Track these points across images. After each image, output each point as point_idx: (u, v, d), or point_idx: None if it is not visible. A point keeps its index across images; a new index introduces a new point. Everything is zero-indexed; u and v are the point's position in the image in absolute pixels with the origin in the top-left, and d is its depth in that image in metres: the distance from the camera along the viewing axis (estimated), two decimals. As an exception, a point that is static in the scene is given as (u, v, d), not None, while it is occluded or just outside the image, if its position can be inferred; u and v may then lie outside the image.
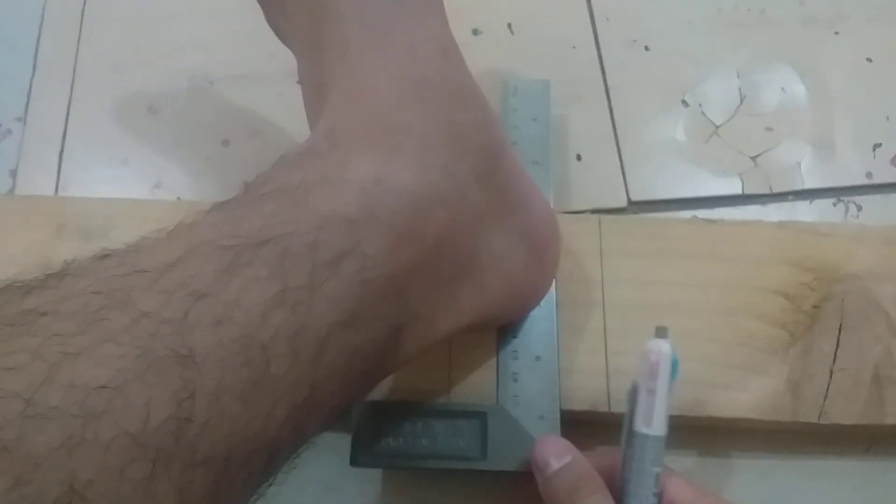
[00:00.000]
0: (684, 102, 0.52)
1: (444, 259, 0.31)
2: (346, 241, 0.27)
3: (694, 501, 0.34)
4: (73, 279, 0.24)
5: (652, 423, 0.34)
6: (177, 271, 0.25)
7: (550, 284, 0.41)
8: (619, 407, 0.39)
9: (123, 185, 0.50)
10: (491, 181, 0.34)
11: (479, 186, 0.33)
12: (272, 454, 0.26)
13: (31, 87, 0.54)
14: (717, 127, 0.51)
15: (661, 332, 0.35)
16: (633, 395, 0.35)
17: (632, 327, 0.41)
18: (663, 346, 0.34)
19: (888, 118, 0.51)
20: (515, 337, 0.41)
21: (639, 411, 0.34)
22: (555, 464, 0.35)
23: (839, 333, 0.42)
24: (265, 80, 0.53)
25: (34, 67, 0.55)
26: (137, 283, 0.24)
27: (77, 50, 0.55)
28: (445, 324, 0.33)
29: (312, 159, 0.30)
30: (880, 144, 0.51)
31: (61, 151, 0.51)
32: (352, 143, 0.30)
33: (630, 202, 0.49)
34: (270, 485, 0.28)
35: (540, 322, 0.41)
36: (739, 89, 0.53)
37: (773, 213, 0.49)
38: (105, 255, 0.26)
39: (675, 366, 0.34)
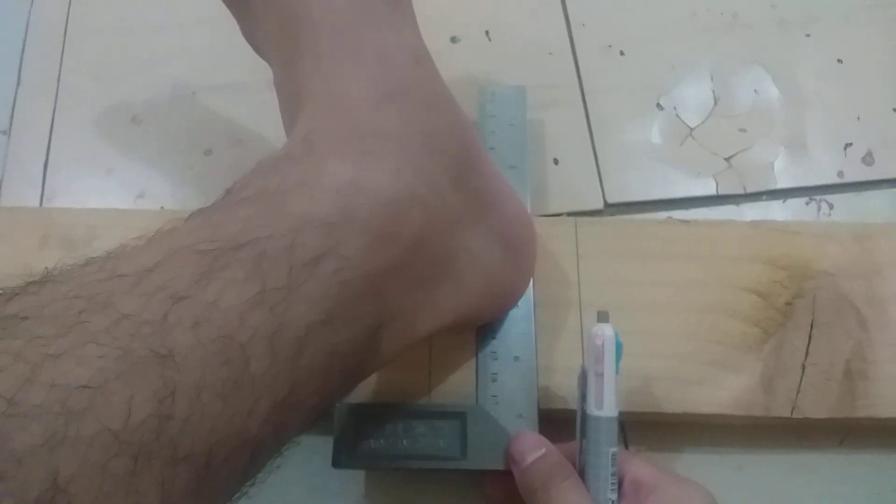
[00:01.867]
0: (659, 106, 0.53)
1: (421, 260, 0.32)
2: (323, 243, 0.28)
3: (656, 478, 0.35)
4: (53, 285, 0.25)
5: (603, 405, 0.35)
6: (156, 275, 0.25)
7: (528, 285, 0.42)
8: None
9: (108, 195, 0.51)
10: (466, 184, 0.35)
11: (454, 189, 0.34)
12: (254, 452, 0.26)
13: (15, 98, 0.54)
14: (692, 129, 0.52)
15: (602, 317, 0.36)
16: (583, 380, 0.36)
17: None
18: (607, 330, 0.35)
19: (859, 118, 0.52)
20: (494, 338, 0.41)
21: (590, 395, 0.35)
22: (529, 457, 0.36)
23: (811, 329, 0.43)
24: (246, 89, 0.53)
25: (18, 79, 0.55)
26: (117, 287, 0.25)
27: (61, 62, 0.55)
28: (424, 324, 0.33)
29: (289, 164, 0.31)
30: (851, 144, 0.52)
31: (46, 163, 0.52)
32: (327, 148, 0.31)
33: (606, 204, 0.49)
34: (253, 484, 0.28)
35: (518, 323, 0.42)
36: (713, 92, 0.54)
37: (747, 212, 0.50)
38: (85, 262, 0.26)
39: (619, 348, 0.35)
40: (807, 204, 0.50)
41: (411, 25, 0.36)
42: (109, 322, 0.23)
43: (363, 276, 0.29)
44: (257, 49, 0.41)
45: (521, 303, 0.42)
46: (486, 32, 0.56)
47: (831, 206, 0.50)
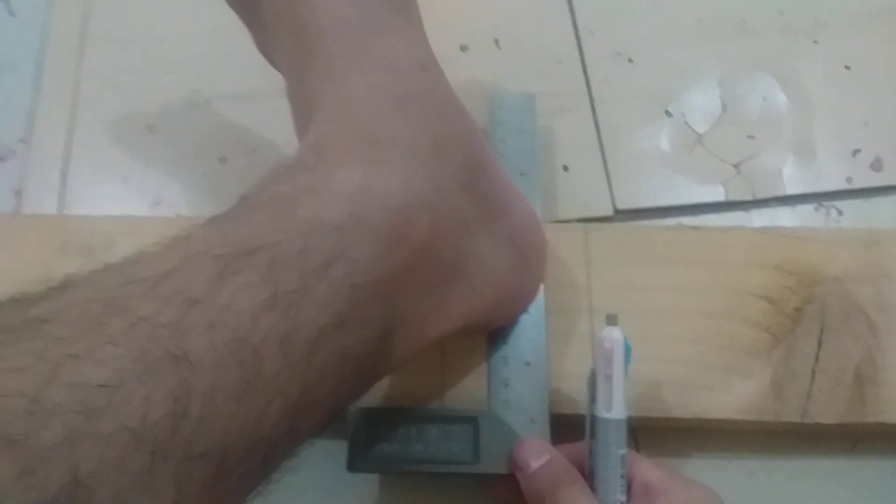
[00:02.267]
0: (668, 113, 0.53)
1: (431, 264, 0.32)
2: (333, 248, 0.28)
3: (665, 481, 0.35)
4: (74, 290, 0.25)
5: (612, 407, 0.35)
6: (172, 280, 0.26)
7: (538, 289, 0.42)
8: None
9: (124, 202, 0.51)
10: (475, 189, 0.35)
11: (464, 194, 0.35)
12: (268, 452, 0.27)
13: (34, 108, 0.55)
14: (700, 136, 0.52)
15: (611, 320, 0.36)
16: (592, 382, 0.36)
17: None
18: (615, 333, 0.35)
19: (867, 124, 0.52)
20: (506, 343, 0.42)
21: (599, 397, 0.35)
22: (534, 463, 0.37)
23: (821, 335, 0.43)
24: (260, 97, 0.54)
25: (37, 89, 0.56)
26: (135, 291, 0.25)
27: (79, 71, 0.56)
28: (435, 328, 0.34)
29: (300, 171, 0.31)
30: (859, 150, 0.52)
31: (64, 171, 0.53)
32: (337, 155, 0.32)
33: (616, 211, 0.50)
34: (268, 484, 0.29)
35: (529, 328, 0.42)
36: (721, 99, 0.54)
37: (755, 219, 0.50)
38: (104, 268, 0.27)
39: (628, 350, 0.35)
40: (815, 210, 0.50)
41: (419, 33, 0.37)
42: (127, 325, 0.24)
43: (374, 279, 0.29)
44: (269, 59, 0.41)
45: (531, 308, 0.42)
46: (496, 41, 0.56)
47: (840, 212, 0.50)
